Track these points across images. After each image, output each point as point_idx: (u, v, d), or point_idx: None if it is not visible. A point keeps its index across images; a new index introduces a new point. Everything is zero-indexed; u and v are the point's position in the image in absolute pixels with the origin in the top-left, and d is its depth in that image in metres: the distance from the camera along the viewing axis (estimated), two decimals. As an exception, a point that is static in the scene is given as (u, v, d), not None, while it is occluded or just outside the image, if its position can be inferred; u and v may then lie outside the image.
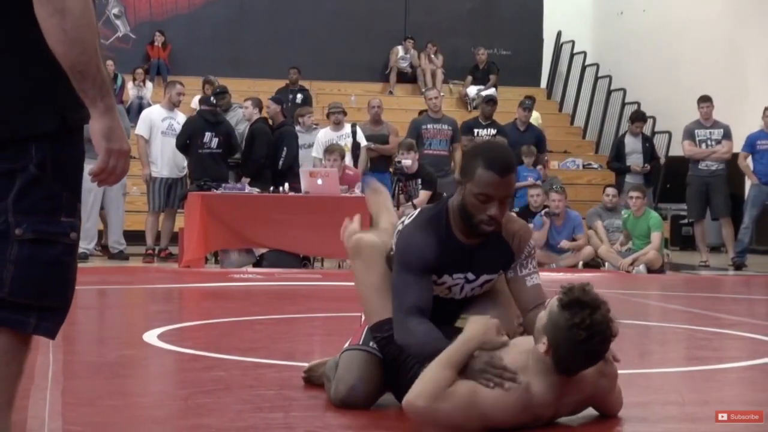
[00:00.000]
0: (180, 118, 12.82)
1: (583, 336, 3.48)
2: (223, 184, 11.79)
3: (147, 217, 12.83)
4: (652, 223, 12.34)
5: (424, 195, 12.17)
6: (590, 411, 3.87)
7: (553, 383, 3.62)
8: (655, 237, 12.25)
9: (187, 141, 12.38)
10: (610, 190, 12.98)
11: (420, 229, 3.93)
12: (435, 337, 3.77)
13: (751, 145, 13.54)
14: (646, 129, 15.81)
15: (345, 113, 13.92)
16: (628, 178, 14.34)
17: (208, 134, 12.37)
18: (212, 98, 13.02)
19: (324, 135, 13.56)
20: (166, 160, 12.58)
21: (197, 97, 14.58)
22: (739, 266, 13.17)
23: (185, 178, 12.75)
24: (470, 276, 3.98)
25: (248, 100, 13.16)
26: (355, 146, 13.51)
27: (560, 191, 12.71)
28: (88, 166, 2.66)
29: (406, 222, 3.99)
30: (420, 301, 3.86)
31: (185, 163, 12.74)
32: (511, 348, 3.68)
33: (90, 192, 11.76)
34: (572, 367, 3.61)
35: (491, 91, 19.27)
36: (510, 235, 3.97)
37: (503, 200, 3.83)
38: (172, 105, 12.79)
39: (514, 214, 4.47)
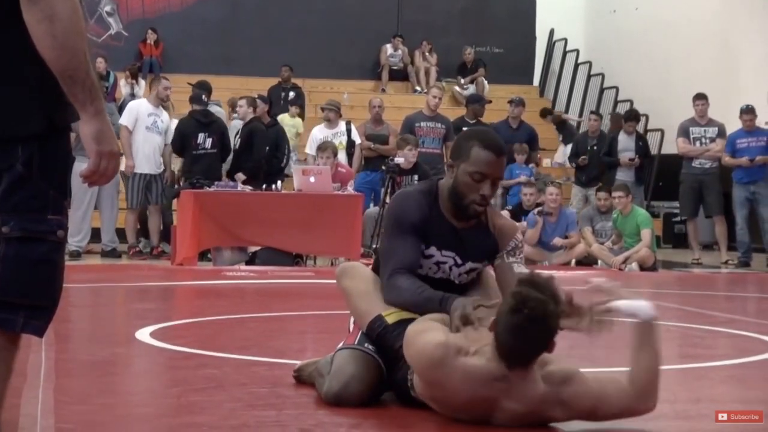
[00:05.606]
0: (164, 117, 12.70)
1: (517, 309, 3.42)
2: (216, 182, 11.73)
3: (126, 214, 12.73)
4: (641, 221, 12.27)
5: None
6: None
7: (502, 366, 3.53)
8: (645, 234, 12.17)
9: (181, 143, 12.37)
10: (601, 195, 12.76)
11: (410, 195, 4.07)
12: (423, 290, 3.88)
13: (731, 144, 13.48)
14: (639, 127, 15.81)
15: (339, 112, 13.89)
16: (619, 174, 14.33)
17: (201, 135, 12.32)
18: (204, 97, 12.88)
19: (318, 132, 13.59)
20: (145, 156, 12.45)
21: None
22: (745, 265, 13.14)
23: (163, 174, 12.68)
24: (458, 259, 4.05)
25: (243, 99, 13.10)
26: (350, 144, 13.49)
27: (558, 186, 12.67)
28: (82, 166, 2.66)
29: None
30: (406, 260, 3.95)
31: (162, 160, 12.70)
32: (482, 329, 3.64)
33: (87, 192, 11.75)
34: (507, 345, 3.47)
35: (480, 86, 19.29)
36: (495, 227, 4.08)
37: (495, 181, 3.96)
38: (160, 100, 12.68)
39: (504, 212, 4.50)
